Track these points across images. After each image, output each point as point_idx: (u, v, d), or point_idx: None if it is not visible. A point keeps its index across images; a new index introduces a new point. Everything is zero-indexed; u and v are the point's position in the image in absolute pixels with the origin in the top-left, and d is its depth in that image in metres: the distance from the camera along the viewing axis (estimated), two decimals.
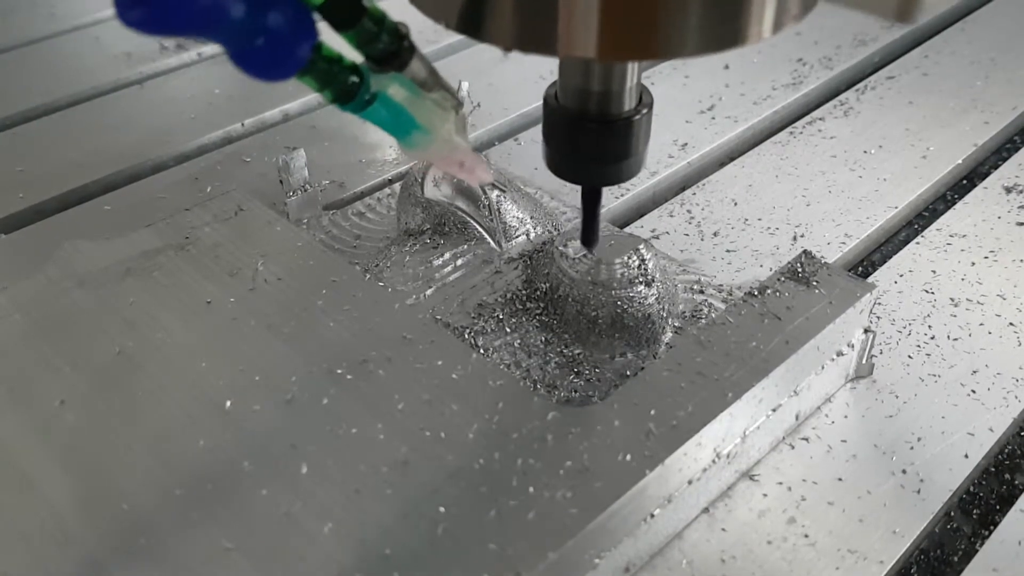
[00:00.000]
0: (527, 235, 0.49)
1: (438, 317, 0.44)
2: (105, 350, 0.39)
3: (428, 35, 0.74)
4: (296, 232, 0.46)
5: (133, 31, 0.24)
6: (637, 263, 0.42)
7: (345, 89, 0.30)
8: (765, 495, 0.38)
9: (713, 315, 0.44)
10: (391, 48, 0.31)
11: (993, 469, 0.41)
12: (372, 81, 0.31)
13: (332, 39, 0.30)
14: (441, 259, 0.47)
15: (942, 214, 0.55)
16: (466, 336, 0.43)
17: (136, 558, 0.31)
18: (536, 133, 0.62)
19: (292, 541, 0.31)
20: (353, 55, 0.31)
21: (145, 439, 0.35)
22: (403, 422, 0.35)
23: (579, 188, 0.37)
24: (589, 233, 0.41)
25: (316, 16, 0.28)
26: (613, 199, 0.56)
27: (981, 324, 0.46)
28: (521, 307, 0.45)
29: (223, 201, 0.48)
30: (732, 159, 0.61)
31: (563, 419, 0.35)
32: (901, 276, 0.50)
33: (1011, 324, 0.46)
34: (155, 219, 0.47)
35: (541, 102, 0.34)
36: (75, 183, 0.58)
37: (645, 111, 0.34)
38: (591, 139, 0.34)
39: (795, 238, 0.53)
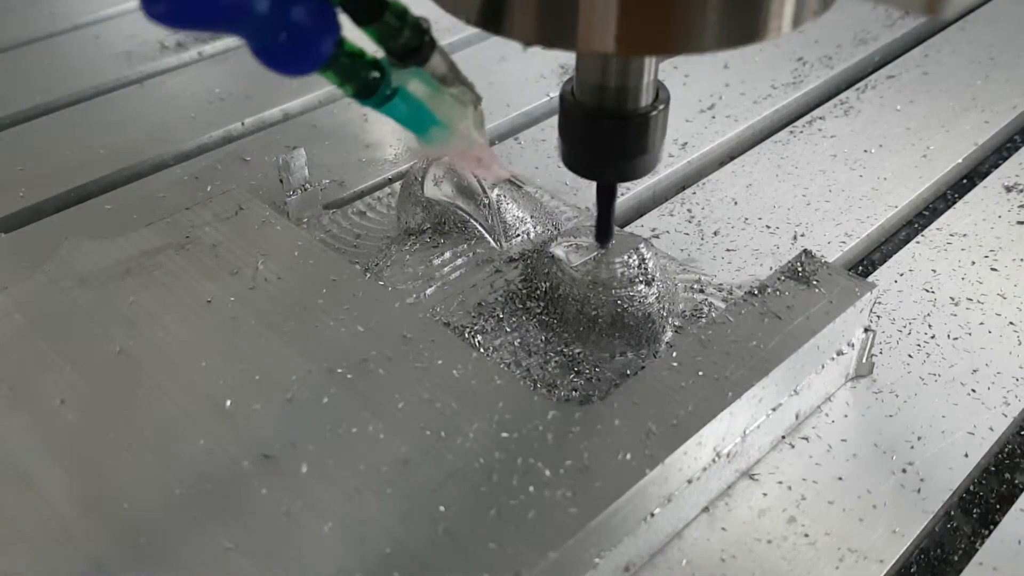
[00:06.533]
0: (527, 234, 0.49)
1: (438, 316, 0.44)
2: (105, 349, 0.39)
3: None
4: (296, 231, 0.46)
5: (157, 24, 0.24)
6: (637, 262, 0.42)
7: (366, 84, 0.30)
8: (765, 494, 0.38)
9: (713, 314, 0.44)
10: (413, 43, 0.31)
11: (993, 468, 0.41)
12: (393, 76, 0.31)
13: (353, 34, 0.29)
14: (441, 258, 0.47)
15: (942, 213, 0.55)
16: (466, 335, 0.43)
17: (136, 557, 0.31)
18: (537, 132, 0.62)
19: (292, 540, 0.31)
20: (374, 50, 0.30)
21: (145, 438, 0.35)
22: (403, 421, 0.35)
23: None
24: (604, 229, 0.40)
25: (339, 11, 0.28)
26: None
27: (981, 323, 0.46)
28: (521, 306, 0.45)
29: (223, 200, 0.48)
30: (732, 158, 0.61)
31: (563, 418, 0.35)
32: (901, 275, 0.50)
33: (1011, 323, 0.46)
34: (155, 218, 0.47)
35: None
36: (75, 182, 0.58)
37: (662, 107, 0.33)
38: (607, 135, 0.34)
39: (795, 237, 0.53)
